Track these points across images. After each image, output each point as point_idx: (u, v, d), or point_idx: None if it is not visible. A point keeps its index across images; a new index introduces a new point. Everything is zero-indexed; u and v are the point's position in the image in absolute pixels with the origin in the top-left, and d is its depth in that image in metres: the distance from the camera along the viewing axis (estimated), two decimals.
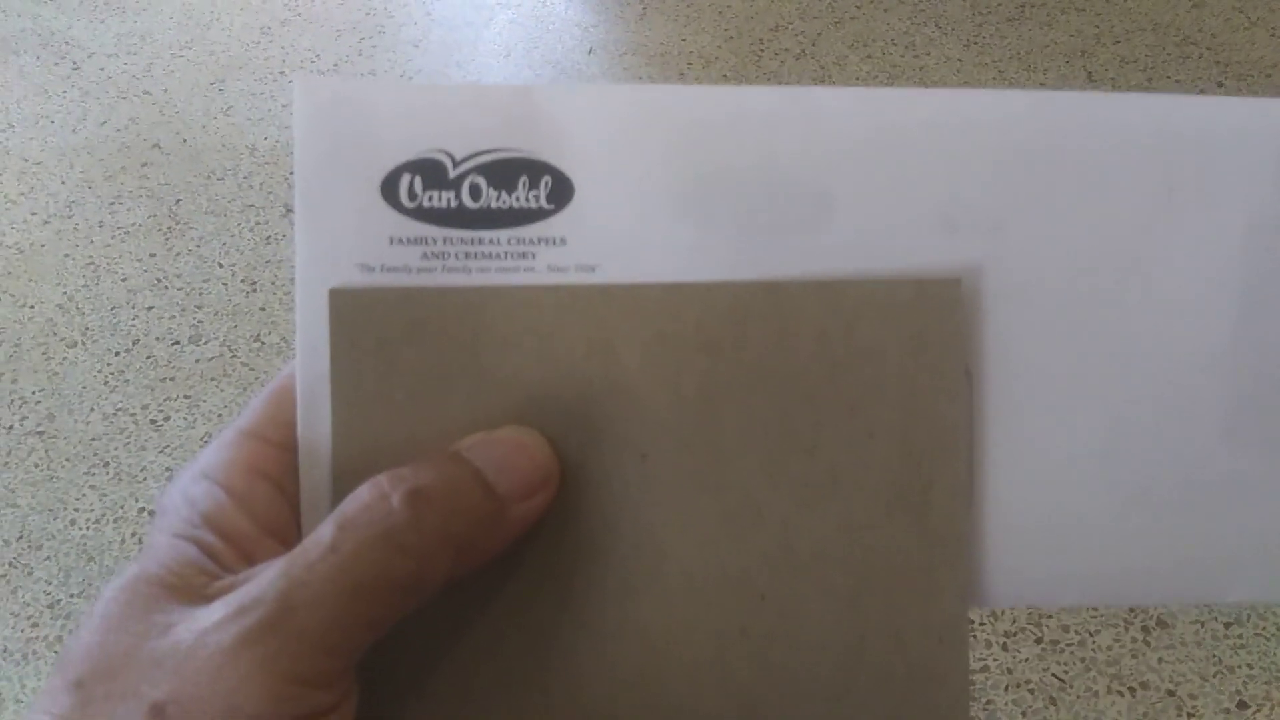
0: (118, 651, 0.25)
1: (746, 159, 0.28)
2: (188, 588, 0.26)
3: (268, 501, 0.28)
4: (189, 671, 0.24)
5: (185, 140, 1.79)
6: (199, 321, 1.50)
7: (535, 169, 0.28)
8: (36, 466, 1.32)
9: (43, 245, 1.61)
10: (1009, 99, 0.28)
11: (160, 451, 1.34)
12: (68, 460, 1.34)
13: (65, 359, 1.46)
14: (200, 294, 1.54)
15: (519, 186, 0.28)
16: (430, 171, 0.28)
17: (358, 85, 0.28)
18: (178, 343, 1.48)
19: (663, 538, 0.29)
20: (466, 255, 0.28)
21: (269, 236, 1.61)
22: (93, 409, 1.39)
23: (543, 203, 0.28)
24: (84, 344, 1.48)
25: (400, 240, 0.28)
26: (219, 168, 1.74)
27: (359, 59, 1.92)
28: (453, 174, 0.28)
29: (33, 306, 1.52)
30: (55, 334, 1.50)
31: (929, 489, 0.29)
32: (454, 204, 0.28)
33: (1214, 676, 1.11)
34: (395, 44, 1.97)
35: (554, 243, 0.29)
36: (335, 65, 1.88)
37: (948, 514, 0.29)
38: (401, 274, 0.28)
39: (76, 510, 1.29)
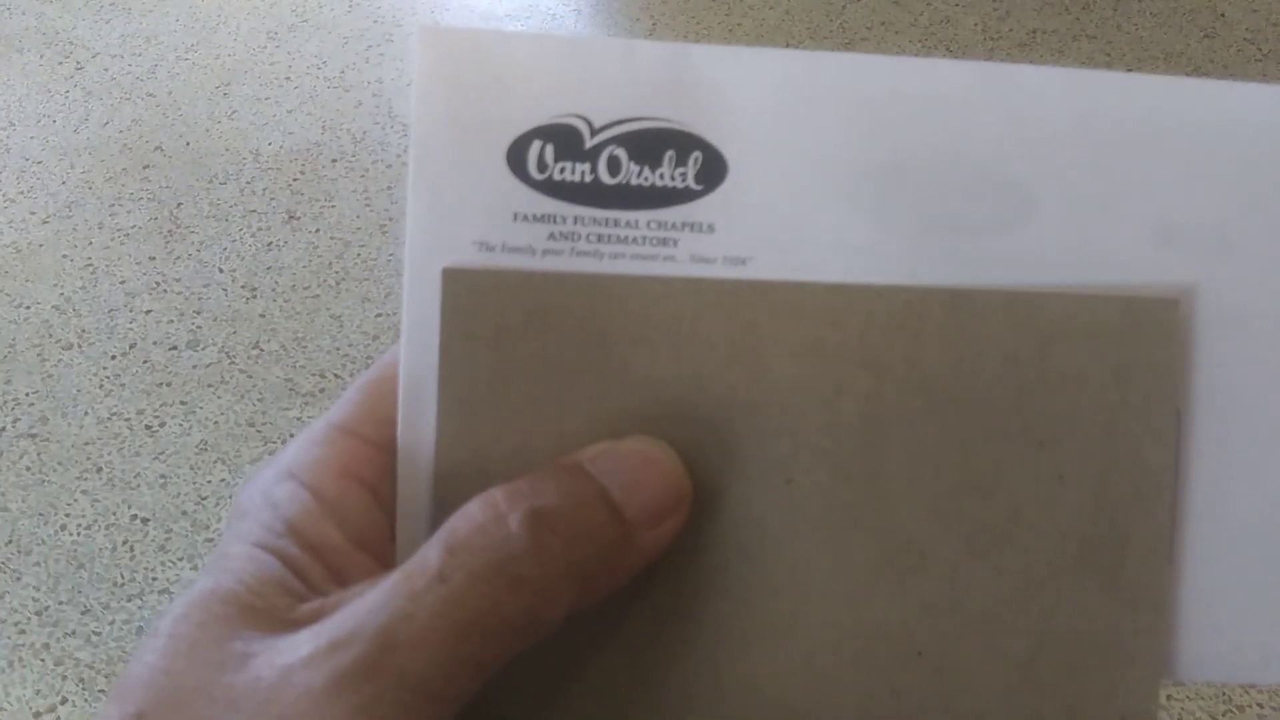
0: (188, 684, 0.21)
1: (934, 144, 0.25)
2: (270, 610, 0.22)
3: (361, 510, 0.24)
4: (271, 716, 0.20)
5: (188, 143, 1.76)
6: (197, 327, 1.47)
7: (684, 143, 0.25)
8: (28, 470, 1.29)
9: (41, 245, 1.59)
10: (1251, 94, 0.25)
11: (154, 458, 1.31)
12: (60, 464, 1.31)
13: (60, 361, 1.43)
14: (200, 299, 1.51)
15: (664, 162, 0.25)
16: (564, 139, 0.25)
17: (488, 37, 0.24)
18: (175, 348, 1.45)
19: (807, 578, 0.25)
20: (599, 238, 0.25)
21: (270, 243, 1.58)
22: (87, 413, 1.37)
23: (690, 182, 0.25)
24: (80, 346, 1.46)
25: (526, 217, 0.25)
26: (221, 172, 1.71)
27: (366, 66, 1.90)
28: (589, 143, 0.25)
29: (29, 307, 1.49)
30: (51, 335, 1.47)
31: (1124, 543, 0.25)
32: (589, 178, 0.25)
33: None
34: (403, 53, 1.94)
35: (701, 229, 0.25)
36: (342, 72, 1.86)
37: (1144, 573, 0.25)
38: (525, 255, 0.25)
39: (68, 516, 1.26)
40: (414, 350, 0.25)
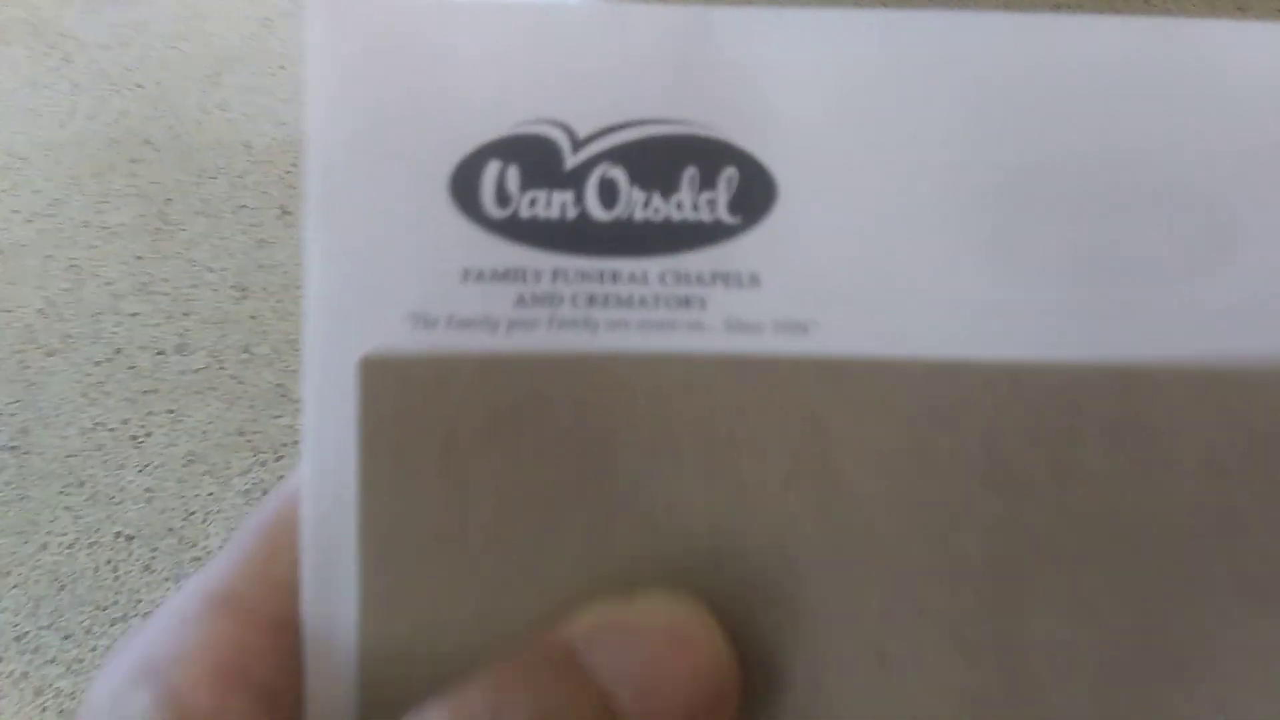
0: None
1: (1089, 144, 0.16)
2: None
3: None
4: None
5: (178, 136, 1.72)
6: (185, 330, 1.42)
7: (711, 155, 0.17)
8: (8, 485, 1.25)
9: (24, 245, 1.54)
10: None
11: (140, 470, 1.27)
12: (41, 479, 1.27)
13: (43, 368, 1.39)
14: (188, 300, 1.46)
15: (682, 185, 0.17)
16: (535, 157, 0.17)
17: (417, 4, 0.16)
18: (162, 352, 1.41)
19: None
20: (591, 300, 0.17)
21: (262, 240, 1.52)
22: (70, 423, 1.32)
23: (722, 213, 0.17)
24: (63, 352, 1.41)
25: (482, 274, 0.17)
26: (212, 166, 1.67)
27: None
28: (571, 162, 0.17)
29: (10, 311, 1.44)
30: (34, 341, 1.43)
31: None
32: (573, 213, 0.17)
33: None
34: None
35: (739, 282, 0.17)
36: None
37: None
38: (482, 331, 0.17)
39: (49, 534, 1.24)
40: (321, 479, 0.17)
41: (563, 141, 0.17)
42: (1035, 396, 0.17)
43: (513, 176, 0.17)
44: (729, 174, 0.17)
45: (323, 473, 0.17)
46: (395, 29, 0.17)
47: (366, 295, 0.17)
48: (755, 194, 0.17)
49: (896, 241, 0.17)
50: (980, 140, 0.17)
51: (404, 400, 0.17)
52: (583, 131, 0.17)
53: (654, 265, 0.17)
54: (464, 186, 0.17)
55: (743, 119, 0.17)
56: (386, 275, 0.17)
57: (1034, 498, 0.17)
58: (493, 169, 0.17)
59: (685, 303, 0.17)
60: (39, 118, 1.81)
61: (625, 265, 0.17)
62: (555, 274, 0.17)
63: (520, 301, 0.17)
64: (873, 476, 0.17)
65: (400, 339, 0.17)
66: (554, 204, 0.17)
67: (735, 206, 0.17)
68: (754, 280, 0.17)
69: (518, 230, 0.17)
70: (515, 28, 0.17)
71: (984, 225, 0.17)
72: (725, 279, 0.17)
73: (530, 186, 0.17)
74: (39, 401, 1.38)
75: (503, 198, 0.17)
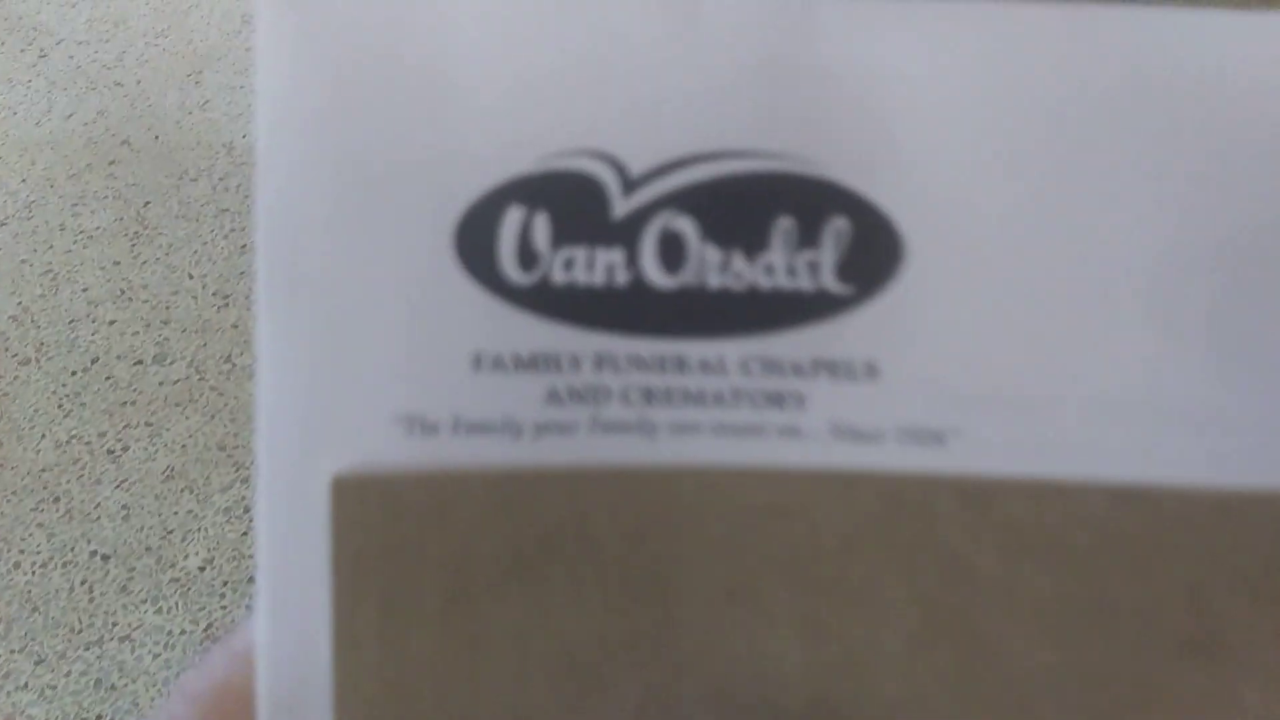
0: None
1: None
2: None
3: None
4: None
5: (157, 136, 1.71)
6: (164, 339, 1.40)
7: (813, 200, 0.12)
8: None
9: None
10: None
11: (116, 486, 1.25)
12: (14, 494, 1.25)
13: (17, 378, 1.37)
14: (167, 308, 1.44)
15: (773, 241, 0.12)
16: (571, 202, 0.12)
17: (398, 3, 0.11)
18: (141, 362, 1.39)
19: None
20: (648, 396, 0.12)
21: (245, 245, 1.50)
22: (44, 436, 1.30)
23: (827, 280, 0.12)
24: (38, 361, 1.40)
25: (500, 361, 0.12)
26: (192, 167, 1.65)
27: None
28: (622, 208, 0.12)
29: None
30: (7, 350, 1.41)
31: None
32: (624, 277, 0.12)
33: None
34: None
35: (852, 373, 0.12)
36: None
37: None
38: (501, 438, 0.12)
39: (21, 553, 1.23)
40: (283, 635, 0.12)
41: (610, 181, 0.12)
42: (1259, 538, 0.12)
43: (542, 228, 0.12)
44: (837, 226, 0.12)
45: (285, 628, 0.13)
46: (377, 22, 0.12)
47: (340, 391, 0.12)
48: (874, 254, 0.13)
49: (1065, 323, 0.13)
50: (1194, 189, 0.12)
51: (393, 532, 0.13)
52: (637, 168, 0.12)
53: (734, 349, 0.13)
54: (474, 242, 0.12)
55: (857, 152, 0.12)
56: (367, 364, 0.12)
57: (1259, 675, 0.12)
58: (514, 218, 0.12)
59: (777, 400, 0.13)
60: (13, 116, 1.79)
61: (695, 349, 0.13)
62: (600, 360, 0.13)
63: (552, 397, 0.13)
64: (1034, 639, 0.13)
65: (388, 449, 0.13)
66: (598, 266, 0.12)
67: (846, 271, 0.13)
68: (871, 371, 0.13)
69: (549, 302, 0.13)
70: (542, 22, 0.12)
71: (1187, 306, 0.12)
72: (832, 369, 0.13)
73: (566, 242, 0.12)
74: (12, 413, 1.34)
75: (528, 258, 0.12)
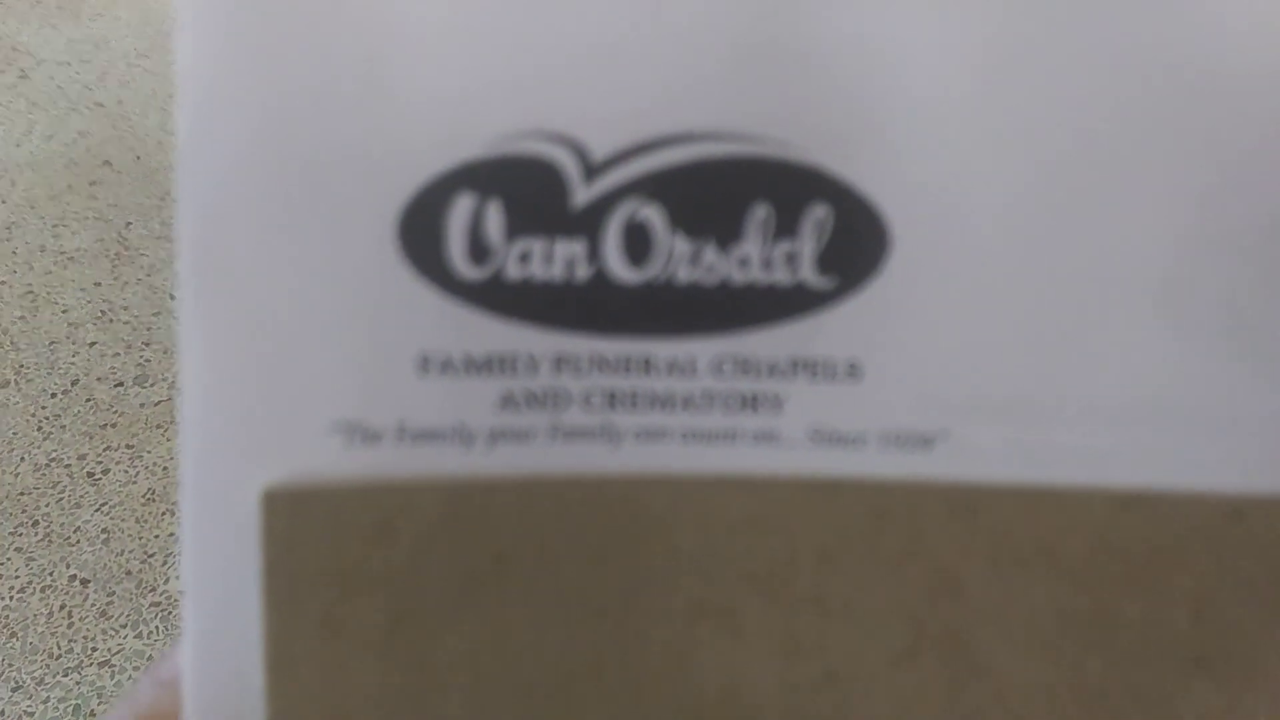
0: None
1: None
2: None
3: None
4: None
5: (139, 157, 1.70)
6: (146, 360, 1.39)
7: (792, 186, 0.11)
8: None
9: None
10: None
11: (96, 509, 1.23)
12: None
13: None
14: (149, 329, 1.43)
15: (747, 230, 0.11)
16: (527, 189, 0.11)
17: None
18: (121, 384, 1.37)
19: None
20: (611, 400, 0.12)
21: None
22: (23, 459, 1.28)
23: (807, 272, 0.11)
24: (17, 384, 1.38)
25: (449, 363, 0.11)
26: (174, 188, 1.63)
27: None
28: (583, 196, 0.11)
29: None
30: None
31: None
32: (585, 271, 0.11)
33: None
34: None
35: (832, 374, 0.11)
36: None
37: None
38: (450, 446, 0.11)
39: None
40: (210, 662, 0.11)
41: (570, 166, 0.11)
42: (1268, 545, 0.11)
43: (494, 218, 0.11)
44: (818, 215, 0.12)
45: (213, 653, 0.12)
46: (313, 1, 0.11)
47: (273, 397, 0.11)
48: (857, 245, 0.12)
49: (1065, 321, 0.12)
50: (1208, 178, 0.11)
51: (333, 548, 0.12)
52: (599, 151, 0.11)
53: (705, 349, 0.12)
54: (420, 233, 0.11)
55: (840, 135, 0.11)
56: (304, 368, 0.11)
57: (1268, 690, 0.11)
58: (463, 207, 0.11)
59: (752, 403, 0.12)
60: None
61: (663, 349, 0.12)
62: (559, 361, 0.12)
63: (507, 402, 0.12)
64: (1028, 656, 0.12)
65: (326, 459, 0.11)
66: (557, 259, 0.11)
67: (827, 264, 0.12)
68: (853, 371, 0.12)
69: (503, 298, 0.12)
70: None
71: (1201, 304, 0.11)
72: (811, 369, 0.12)
73: (521, 233, 0.11)
74: None
75: (479, 251, 0.11)
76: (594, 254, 0.12)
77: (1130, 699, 0.12)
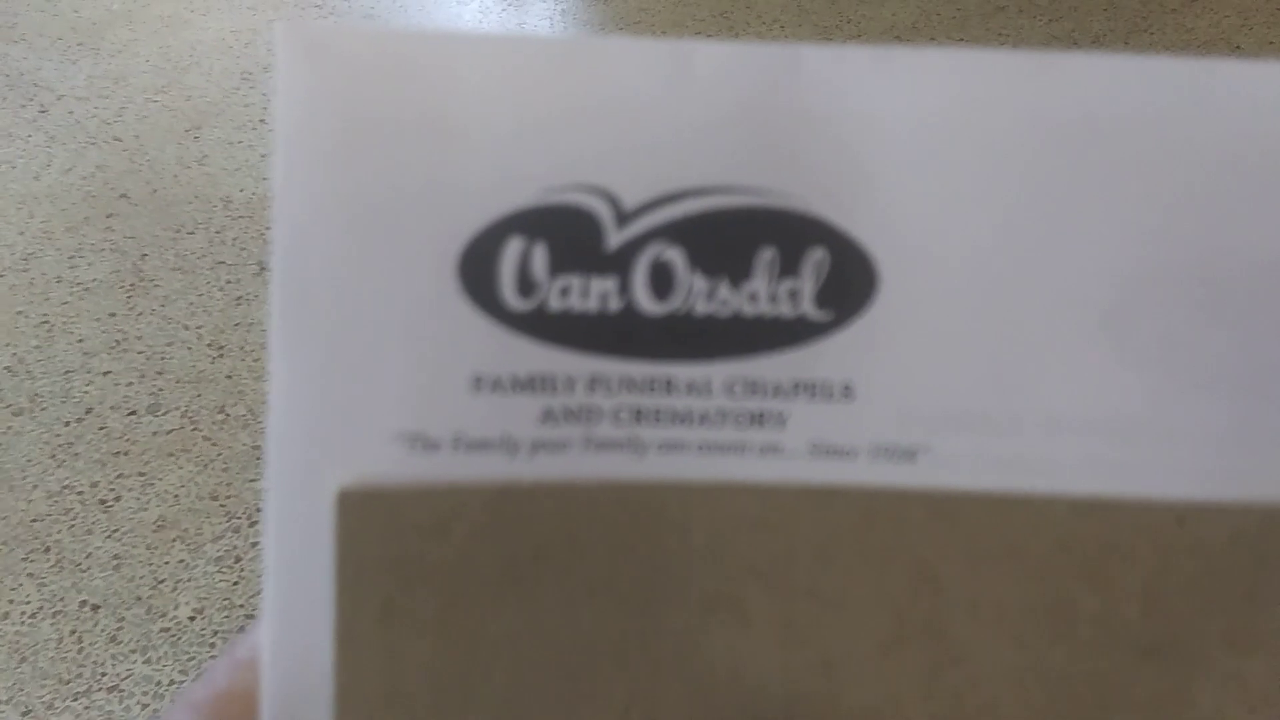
0: None
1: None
2: None
3: None
4: None
5: (155, 190, 1.71)
6: (159, 389, 1.39)
7: (794, 232, 0.13)
8: None
9: None
10: None
11: (108, 536, 1.23)
12: (4, 544, 1.24)
13: (10, 428, 1.36)
14: (162, 358, 1.44)
15: (756, 270, 0.13)
16: (568, 233, 0.13)
17: (417, 41, 0.12)
18: (134, 412, 1.37)
19: None
20: (637, 415, 0.13)
21: (240, 297, 1.50)
22: (36, 486, 1.29)
23: (807, 306, 0.13)
24: (31, 412, 1.38)
25: (499, 382, 0.13)
26: (190, 221, 1.65)
27: None
28: (615, 240, 0.13)
29: None
30: (1, 400, 1.41)
31: None
32: (616, 305, 0.13)
33: None
34: None
35: (828, 394, 0.13)
36: None
37: None
38: (498, 455, 0.13)
39: (10, 602, 1.18)
40: (287, 641, 0.13)
41: (605, 214, 0.13)
42: (1209, 546, 0.13)
43: (540, 258, 0.13)
44: (816, 257, 0.13)
45: (289, 634, 0.13)
46: (386, 67, 0.13)
47: (347, 409, 0.13)
48: (850, 283, 0.13)
49: (1027, 346, 0.13)
50: (1144, 222, 0.13)
51: (395, 543, 0.13)
52: (630, 201, 0.13)
53: (719, 372, 0.14)
54: (477, 271, 0.13)
55: (835, 187, 0.13)
56: (374, 384, 0.13)
57: (1210, 676, 0.13)
58: (514, 248, 0.13)
59: (759, 419, 0.14)
60: (13, 169, 1.79)
61: (683, 371, 0.14)
62: (593, 382, 0.13)
63: (547, 417, 0.13)
64: (998, 644, 0.13)
65: (391, 464, 0.13)
66: (592, 294, 0.13)
67: (824, 298, 0.13)
68: (847, 392, 0.13)
69: (546, 327, 0.13)
70: (542, 67, 0.13)
71: (1141, 330, 0.13)
72: (810, 390, 0.13)
73: (562, 271, 0.13)
74: (4, 463, 1.33)
75: (527, 285, 0.13)
76: (624, 289, 0.13)
77: (1089, 684, 0.14)
